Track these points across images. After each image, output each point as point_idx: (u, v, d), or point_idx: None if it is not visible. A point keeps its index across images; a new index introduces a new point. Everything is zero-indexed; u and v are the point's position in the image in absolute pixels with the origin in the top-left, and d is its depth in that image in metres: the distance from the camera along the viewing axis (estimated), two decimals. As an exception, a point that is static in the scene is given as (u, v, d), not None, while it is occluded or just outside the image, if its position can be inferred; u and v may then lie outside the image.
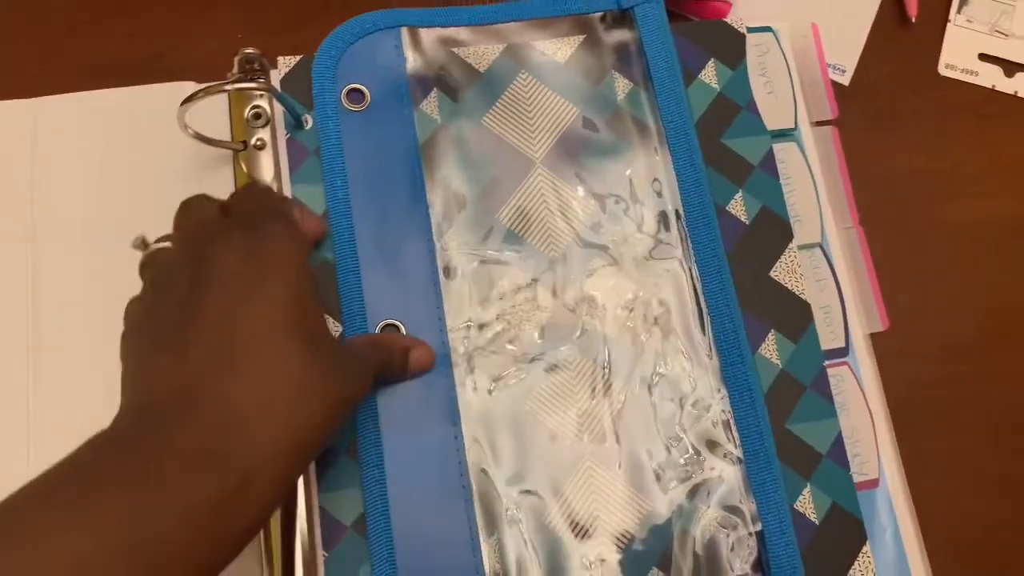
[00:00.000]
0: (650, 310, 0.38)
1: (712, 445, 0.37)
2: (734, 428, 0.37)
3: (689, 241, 0.39)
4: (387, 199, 0.38)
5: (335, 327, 0.37)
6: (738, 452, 0.36)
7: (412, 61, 0.40)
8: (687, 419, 0.37)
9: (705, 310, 0.38)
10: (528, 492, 0.35)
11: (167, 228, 0.34)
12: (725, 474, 0.36)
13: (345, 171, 0.38)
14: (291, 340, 0.28)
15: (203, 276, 0.28)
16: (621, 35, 0.42)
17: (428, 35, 0.41)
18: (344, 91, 0.39)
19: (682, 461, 0.36)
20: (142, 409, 0.26)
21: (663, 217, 0.39)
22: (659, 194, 0.40)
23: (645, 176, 0.40)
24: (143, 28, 0.43)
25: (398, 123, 0.39)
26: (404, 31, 0.40)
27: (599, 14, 0.42)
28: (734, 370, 0.37)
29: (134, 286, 0.35)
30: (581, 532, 0.35)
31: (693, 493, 0.36)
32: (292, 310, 0.28)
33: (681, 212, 0.39)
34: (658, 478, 0.36)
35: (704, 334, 0.38)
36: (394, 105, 0.40)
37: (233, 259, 0.28)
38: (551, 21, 0.42)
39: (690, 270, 0.39)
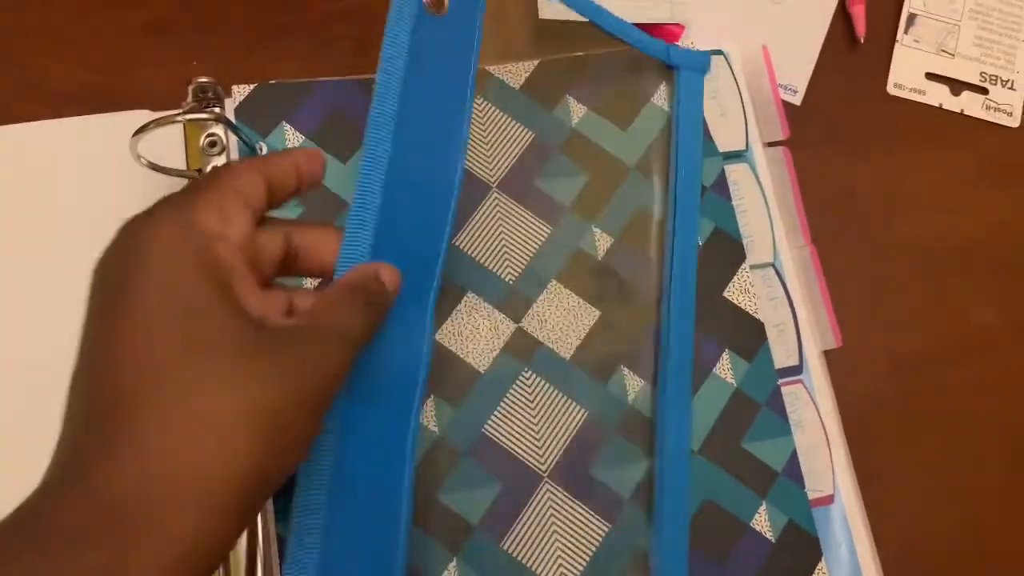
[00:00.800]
0: (609, 341, 0.38)
1: (638, 491, 0.37)
2: (655, 482, 0.37)
3: (671, 279, 0.39)
4: (427, 138, 0.34)
5: None
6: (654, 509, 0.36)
7: None
8: (637, 450, 0.37)
9: (663, 350, 0.38)
10: (469, 526, 0.35)
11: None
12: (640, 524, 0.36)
13: (402, 89, 0.33)
14: (179, 369, 0.22)
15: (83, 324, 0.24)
16: (658, 85, 0.42)
17: None
18: None
19: (634, 490, 0.36)
20: (44, 485, 0.22)
21: (632, 250, 0.40)
22: (632, 228, 0.40)
23: (615, 207, 0.40)
24: (95, 56, 0.43)
25: (466, 36, 0.36)
26: None
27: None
28: (676, 413, 0.37)
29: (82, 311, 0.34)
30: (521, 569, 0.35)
31: (644, 523, 0.36)
32: (168, 329, 0.23)
33: (670, 248, 0.39)
34: (610, 505, 0.36)
35: (658, 371, 0.38)
36: (470, 14, 0.36)
37: (93, 284, 0.24)
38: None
39: (656, 308, 0.39)
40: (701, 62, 0.42)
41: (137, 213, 0.25)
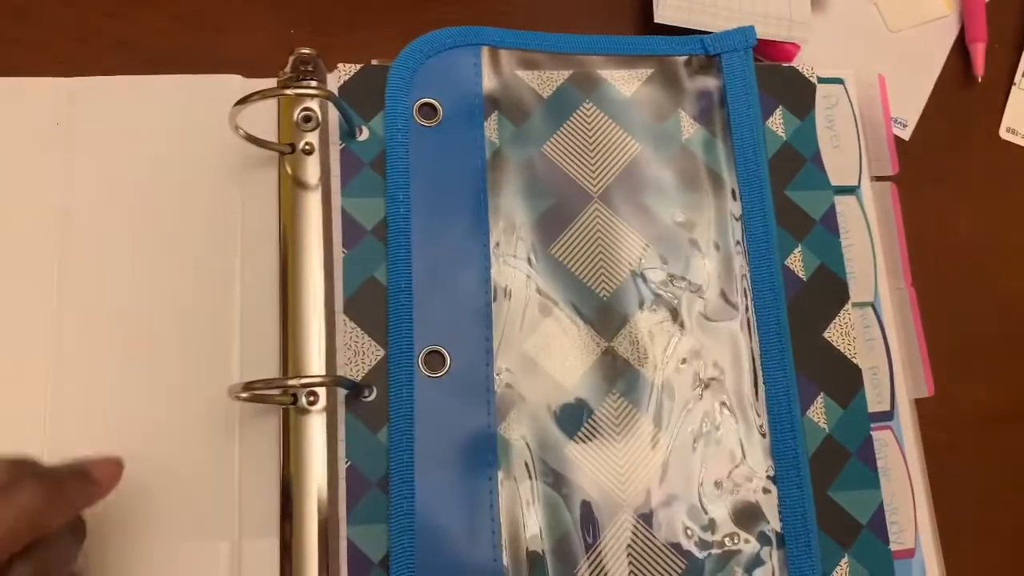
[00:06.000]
0: (703, 368, 0.37)
1: (752, 517, 0.36)
2: (777, 504, 0.36)
3: (752, 303, 0.38)
4: (448, 220, 0.37)
5: (377, 350, 0.35)
6: (778, 529, 0.35)
7: (488, 81, 0.39)
8: (729, 485, 0.36)
9: (761, 378, 0.37)
10: (559, 542, 0.34)
11: (198, 220, 0.35)
12: (762, 550, 0.35)
13: (409, 187, 0.37)
14: None
15: None
16: (704, 81, 0.40)
17: (506, 57, 0.39)
18: (416, 105, 0.38)
19: (719, 528, 0.35)
20: None
21: (727, 274, 0.38)
22: (725, 249, 0.38)
23: (712, 228, 0.39)
24: (189, 13, 0.41)
25: (468, 143, 0.38)
26: (484, 51, 0.39)
27: (683, 57, 0.41)
28: (784, 446, 0.36)
29: (161, 274, 0.34)
30: None
31: (724, 563, 0.35)
32: None
33: (748, 272, 0.38)
34: (692, 541, 0.35)
35: (757, 401, 0.37)
36: (466, 124, 0.38)
37: None
38: (627, 56, 0.40)
39: (750, 334, 0.37)
40: (743, 40, 0.40)
41: None
